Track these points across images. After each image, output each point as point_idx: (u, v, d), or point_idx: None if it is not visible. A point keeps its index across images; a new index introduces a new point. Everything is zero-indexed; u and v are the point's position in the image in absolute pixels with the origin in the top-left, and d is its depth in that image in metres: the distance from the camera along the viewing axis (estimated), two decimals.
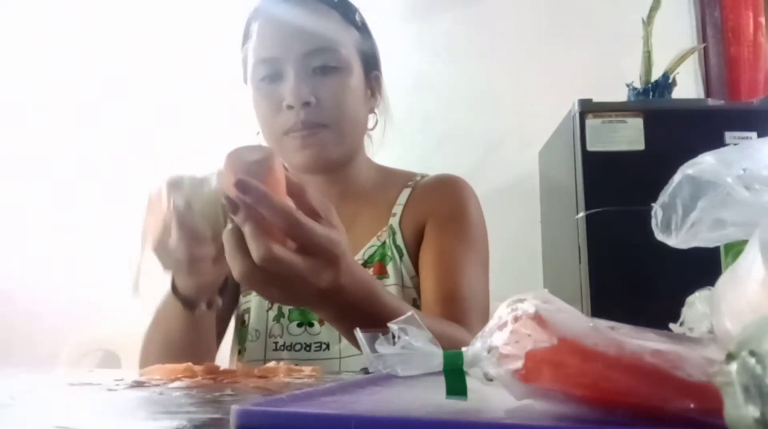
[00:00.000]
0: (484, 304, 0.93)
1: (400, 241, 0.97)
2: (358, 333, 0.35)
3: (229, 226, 0.58)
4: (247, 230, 0.56)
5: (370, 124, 1.04)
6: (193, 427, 0.35)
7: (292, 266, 0.57)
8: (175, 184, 0.67)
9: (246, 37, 0.99)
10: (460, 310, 0.87)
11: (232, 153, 0.59)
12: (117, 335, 2.05)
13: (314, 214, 0.59)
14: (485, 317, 0.90)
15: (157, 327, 0.84)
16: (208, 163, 0.67)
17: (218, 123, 2.23)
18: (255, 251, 0.55)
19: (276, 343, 0.96)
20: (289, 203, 0.58)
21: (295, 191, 0.60)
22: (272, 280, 0.57)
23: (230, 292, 1.01)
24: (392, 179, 1.05)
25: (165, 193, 0.67)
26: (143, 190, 0.71)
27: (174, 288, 0.77)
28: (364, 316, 0.65)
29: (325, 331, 0.94)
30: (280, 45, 0.92)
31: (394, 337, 0.35)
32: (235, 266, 0.57)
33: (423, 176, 1.05)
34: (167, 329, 0.81)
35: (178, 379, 0.61)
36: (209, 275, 0.72)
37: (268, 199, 0.56)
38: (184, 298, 0.76)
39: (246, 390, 0.53)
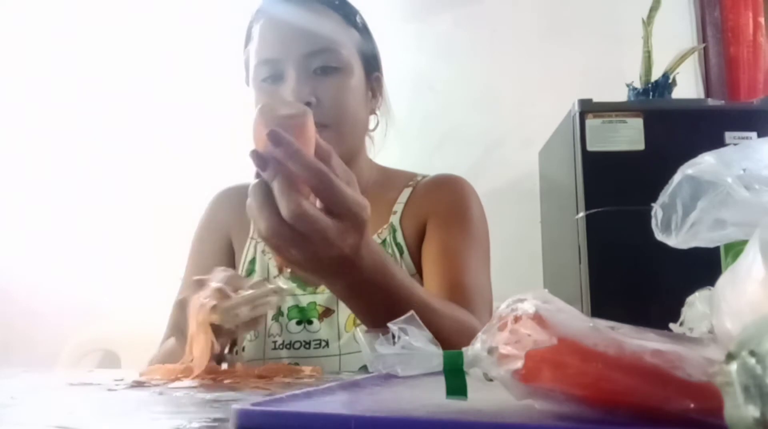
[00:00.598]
0: (488, 297, 0.93)
1: (400, 239, 0.97)
2: (359, 333, 0.35)
3: (256, 180, 0.56)
4: (276, 185, 0.55)
5: (371, 125, 1.04)
6: (193, 428, 0.35)
7: (320, 225, 0.55)
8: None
9: (248, 39, 0.99)
10: (465, 298, 0.87)
11: (264, 106, 0.57)
12: (117, 335, 2.05)
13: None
14: (490, 309, 0.90)
15: (164, 362, 0.84)
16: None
17: (219, 124, 2.23)
18: (285, 207, 0.54)
19: (275, 342, 0.96)
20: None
21: (322, 156, 0.58)
22: (297, 239, 0.56)
23: None
24: (393, 179, 1.05)
25: (199, 301, 0.65)
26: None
27: None
28: (378, 290, 0.65)
29: (324, 329, 0.94)
30: (281, 46, 0.93)
31: (394, 337, 0.35)
32: (261, 223, 0.56)
33: (424, 176, 1.05)
34: None
35: (178, 379, 0.61)
36: (222, 345, 0.71)
37: (300, 155, 0.54)
38: None
39: (246, 390, 0.53)
